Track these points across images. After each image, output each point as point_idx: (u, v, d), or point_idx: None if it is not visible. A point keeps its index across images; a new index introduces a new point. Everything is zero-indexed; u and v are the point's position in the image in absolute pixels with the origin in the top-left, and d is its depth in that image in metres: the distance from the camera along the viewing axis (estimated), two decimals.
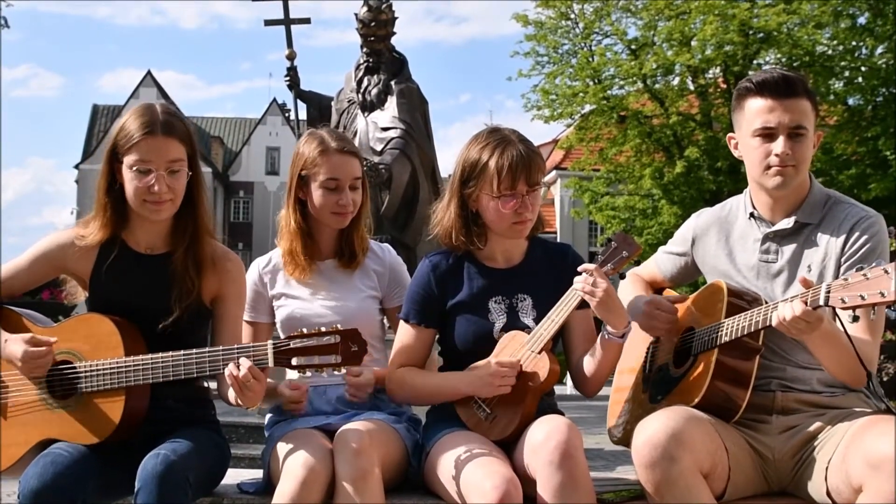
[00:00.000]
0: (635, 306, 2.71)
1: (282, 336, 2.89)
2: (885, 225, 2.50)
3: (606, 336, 2.56)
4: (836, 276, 2.40)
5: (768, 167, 2.51)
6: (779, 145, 2.48)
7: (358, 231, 2.92)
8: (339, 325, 2.34)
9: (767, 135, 2.50)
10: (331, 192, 2.84)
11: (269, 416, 2.93)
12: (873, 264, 2.10)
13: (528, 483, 2.39)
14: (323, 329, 2.33)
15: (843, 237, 2.48)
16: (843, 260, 2.45)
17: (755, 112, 2.52)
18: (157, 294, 2.59)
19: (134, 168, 2.53)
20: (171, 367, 2.45)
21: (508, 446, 2.56)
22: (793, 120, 2.48)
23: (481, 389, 2.57)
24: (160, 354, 2.46)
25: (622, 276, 3.01)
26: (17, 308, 2.69)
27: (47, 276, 2.71)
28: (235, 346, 2.44)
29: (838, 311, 2.20)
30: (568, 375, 2.77)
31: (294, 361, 2.34)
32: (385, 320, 3.01)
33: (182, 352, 2.45)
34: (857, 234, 2.47)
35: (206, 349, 2.46)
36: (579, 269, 2.51)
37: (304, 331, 2.35)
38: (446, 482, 2.49)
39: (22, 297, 2.75)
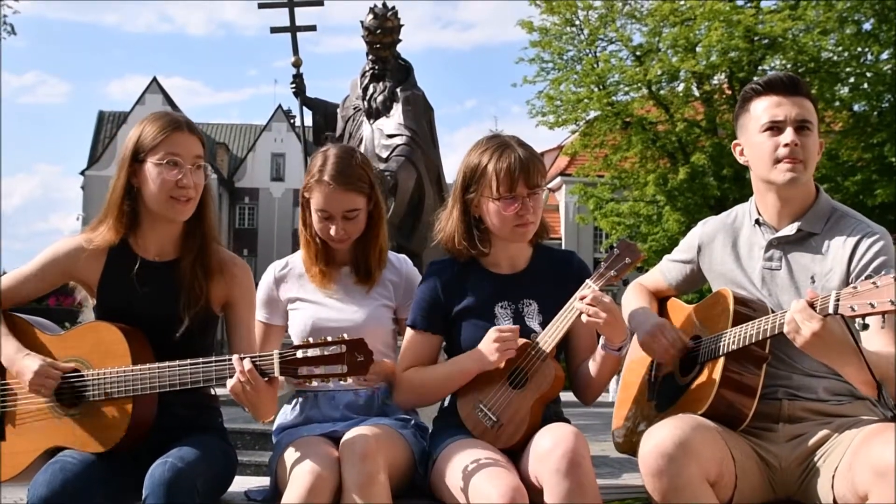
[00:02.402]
0: (638, 321, 2.71)
1: (294, 340, 2.91)
2: (891, 240, 2.50)
3: (603, 349, 2.57)
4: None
5: (777, 161, 2.52)
6: (787, 136, 2.51)
7: (374, 249, 2.90)
8: (345, 335, 2.34)
9: (775, 128, 2.53)
10: (324, 220, 2.84)
11: (276, 423, 2.94)
12: (882, 272, 2.10)
13: (534, 492, 2.39)
14: (329, 339, 2.33)
15: (849, 252, 2.49)
16: (851, 278, 2.44)
17: (762, 109, 2.56)
18: (164, 301, 2.60)
19: (165, 161, 2.55)
20: (178, 376, 2.45)
21: (515, 454, 2.56)
22: (800, 114, 2.52)
23: (488, 360, 2.57)
24: (167, 363, 2.47)
25: (625, 283, 3.02)
26: (26, 315, 2.70)
27: (55, 283, 2.71)
28: (241, 355, 2.44)
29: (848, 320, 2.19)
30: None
31: (300, 371, 2.35)
32: (397, 329, 3.00)
33: (189, 361, 2.46)
34: (863, 249, 2.47)
35: (213, 358, 2.46)
36: (579, 295, 2.52)
37: (310, 340, 2.35)
38: (453, 490, 2.49)
39: (28, 304, 2.76)
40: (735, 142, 2.69)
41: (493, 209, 2.66)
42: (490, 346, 2.56)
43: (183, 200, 2.57)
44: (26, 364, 2.51)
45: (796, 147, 2.50)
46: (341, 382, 2.36)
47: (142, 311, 2.60)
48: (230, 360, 2.42)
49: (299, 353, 2.35)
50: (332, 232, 2.82)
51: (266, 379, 2.40)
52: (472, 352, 2.63)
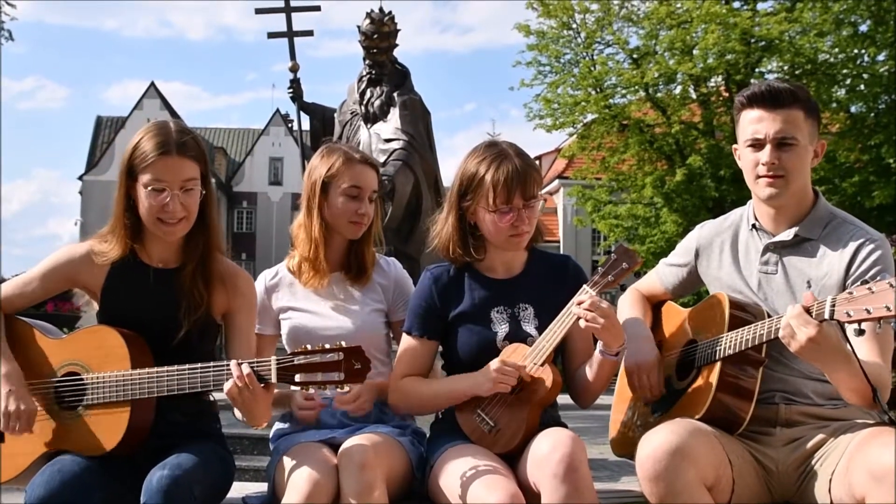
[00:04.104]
0: (628, 341, 2.70)
1: (287, 349, 2.91)
2: (889, 247, 2.51)
3: (601, 354, 2.58)
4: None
5: (758, 177, 2.55)
6: (765, 154, 2.52)
7: (368, 246, 2.95)
8: (343, 343, 2.34)
9: (756, 145, 2.54)
10: (352, 199, 2.88)
11: (274, 428, 2.94)
12: (878, 278, 2.11)
13: (532, 496, 2.39)
14: (327, 346, 2.33)
15: (847, 258, 2.49)
16: (848, 283, 2.45)
17: (746, 123, 2.58)
18: (166, 308, 2.61)
19: (149, 187, 2.55)
20: (177, 381, 2.46)
21: (512, 459, 2.57)
22: (780, 130, 2.51)
23: (482, 386, 2.57)
24: (165, 368, 2.48)
25: (622, 288, 3.02)
26: (28, 319, 2.71)
27: (59, 288, 2.73)
28: (239, 360, 2.44)
29: (845, 326, 2.20)
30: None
31: (297, 378, 2.35)
32: (390, 333, 3.02)
33: (187, 365, 2.47)
34: (862, 256, 2.48)
35: (212, 363, 2.47)
36: (576, 300, 2.51)
37: (308, 347, 2.35)
38: (451, 496, 2.49)
39: (26, 310, 2.77)
40: (734, 146, 2.71)
41: (488, 219, 2.66)
42: (489, 376, 2.55)
43: (171, 222, 2.57)
44: (21, 396, 2.50)
45: (774, 165, 2.51)
46: (338, 390, 2.35)
47: (143, 317, 2.61)
48: (228, 365, 2.42)
49: (297, 360, 2.34)
50: (361, 210, 2.88)
51: (262, 385, 2.40)
52: (469, 376, 2.63)
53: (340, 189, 2.88)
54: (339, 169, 2.89)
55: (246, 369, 2.39)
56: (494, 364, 2.56)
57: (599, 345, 2.58)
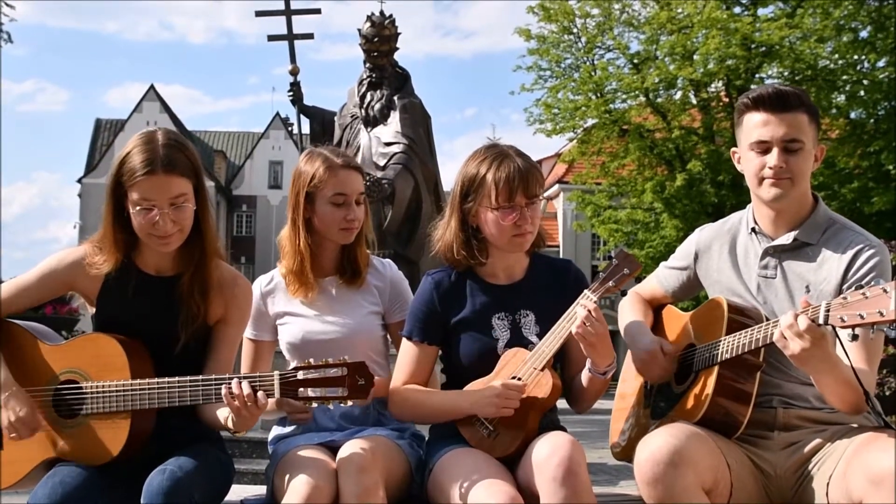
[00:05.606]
0: (632, 338, 2.71)
1: (285, 354, 2.91)
2: (888, 254, 2.51)
3: (589, 371, 2.59)
4: None
5: (763, 179, 2.54)
6: (773, 158, 2.51)
7: (360, 247, 2.94)
8: (346, 358, 2.33)
9: (763, 148, 2.53)
10: (338, 207, 2.85)
11: (273, 432, 2.94)
12: (872, 283, 2.11)
13: (532, 500, 2.39)
14: (330, 361, 2.32)
15: (845, 263, 2.49)
16: (845, 287, 2.45)
17: (752, 126, 2.56)
18: (163, 316, 2.60)
19: (137, 206, 2.51)
20: (178, 393, 2.44)
21: (512, 463, 2.56)
22: (787, 133, 2.51)
23: (485, 409, 2.56)
24: (166, 379, 2.46)
25: (623, 294, 3.02)
26: (25, 323, 2.70)
27: (55, 292, 2.72)
28: (243, 374, 2.42)
29: (838, 331, 2.20)
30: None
31: (300, 392, 2.33)
32: (388, 336, 3.02)
33: (189, 377, 2.45)
34: (860, 261, 2.47)
35: (213, 376, 2.45)
36: (579, 312, 2.49)
37: (311, 361, 2.34)
38: (450, 499, 2.49)
39: (25, 312, 2.76)
40: (733, 149, 2.71)
41: (491, 219, 2.66)
42: (492, 400, 2.53)
43: (163, 237, 2.54)
44: (19, 401, 2.49)
45: (781, 168, 2.51)
46: (341, 405, 2.35)
47: (139, 325, 2.59)
48: (230, 378, 2.40)
49: (300, 375, 2.33)
50: (350, 216, 2.85)
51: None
52: (471, 394, 2.61)
53: (326, 198, 2.85)
54: (322, 178, 2.84)
55: (247, 389, 2.35)
56: (496, 389, 2.54)
57: (588, 362, 2.58)
